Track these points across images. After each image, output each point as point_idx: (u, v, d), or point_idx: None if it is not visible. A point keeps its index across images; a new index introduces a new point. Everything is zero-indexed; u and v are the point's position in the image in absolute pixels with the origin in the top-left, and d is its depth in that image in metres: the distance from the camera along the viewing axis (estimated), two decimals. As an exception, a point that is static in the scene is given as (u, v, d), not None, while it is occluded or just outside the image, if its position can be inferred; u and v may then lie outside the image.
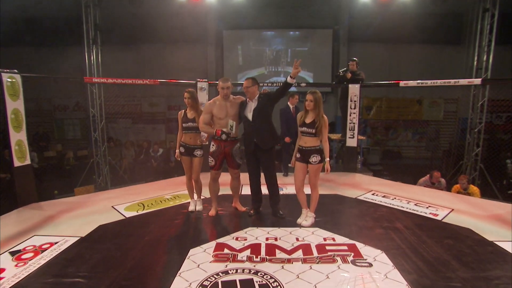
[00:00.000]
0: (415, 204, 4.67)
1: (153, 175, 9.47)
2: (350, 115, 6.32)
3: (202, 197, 4.50)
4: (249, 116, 3.95)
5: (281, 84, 3.88)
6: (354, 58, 6.51)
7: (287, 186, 5.52)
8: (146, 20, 10.45)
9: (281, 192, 5.12)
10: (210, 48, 11.65)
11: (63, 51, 9.92)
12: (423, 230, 3.68)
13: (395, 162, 11.20)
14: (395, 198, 4.95)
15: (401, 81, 5.86)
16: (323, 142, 3.70)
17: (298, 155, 3.81)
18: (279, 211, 4.18)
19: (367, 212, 4.32)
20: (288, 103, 5.96)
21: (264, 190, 4.23)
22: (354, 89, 6.23)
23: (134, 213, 4.33)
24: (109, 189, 7.78)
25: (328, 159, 3.71)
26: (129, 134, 12.62)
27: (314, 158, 3.68)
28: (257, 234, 3.59)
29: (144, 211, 4.42)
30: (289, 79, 3.76)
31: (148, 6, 10.00)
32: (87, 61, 7.64)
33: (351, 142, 6.37)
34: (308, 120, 3.68)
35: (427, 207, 4.54)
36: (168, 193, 5.19)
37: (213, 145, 4.08)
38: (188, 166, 4.30)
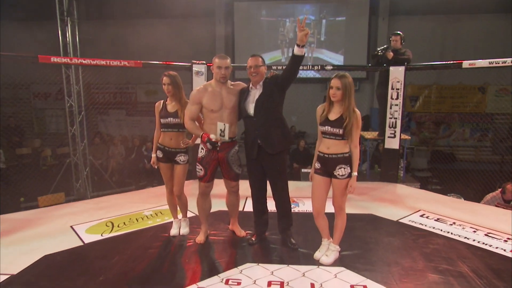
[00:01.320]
0: (486, 234, 3.86)
1: (145, 179, 9.00)
2: (390, 108, 5.55)
3: (188, 216, 3.89)
4: (251, 108, 3.30)
5: (289, 60, 3.19)
6: (398, 32, 5.71)
7: (303, 200, 4.83)
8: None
9: (295, 209, 4.47)
10: (219, 25, 11.02)
11: (41, 26, 9.52)
12: (503, 278, 2.93)
13: (447, 167, 10.21)
14: (454, 223, 4.18)
15: (464, 61, 5.03)
16: (352, 148, 3.00)
17: (317, 166, 3.12)
18: (290, 239, 3.52)
19: (414, 245, 3.59)
20: None
21: (272, 206, 3.58)
22: (397, 73, 5.45)
23: (97, 237, 3.77)
24: (88, 197, 7.32)
25: (355, 173, 3.01)
26: (123, 128, 12.23)
27: (342, 171, 2.99)
28: (257, 276, 2.96)
29: (111, 234, 3.85)
30: (296, 50, 3.05)
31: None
32: (60, 37, 7.15)
33: (392, 143, 5.60)
34: (332, 116, 2.99)
35: (505, 240, 3.72)
36: (149, 207, 4.62)
37: (202, 148, 3.45)
38: (169, 176, 3.69)
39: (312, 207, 3.18)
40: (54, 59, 4.51)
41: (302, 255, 3.35)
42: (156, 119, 3.63)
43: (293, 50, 3.08)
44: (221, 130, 3.28)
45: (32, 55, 4.46)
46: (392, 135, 5.58)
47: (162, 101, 3.66)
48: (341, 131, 2.93)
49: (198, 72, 5.45)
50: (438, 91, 11.25)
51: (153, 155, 3.68)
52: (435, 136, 11.51)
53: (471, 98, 11.35)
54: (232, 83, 3.50)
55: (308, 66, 5.64)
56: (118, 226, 4.05)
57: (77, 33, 7.38)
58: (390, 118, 5.55)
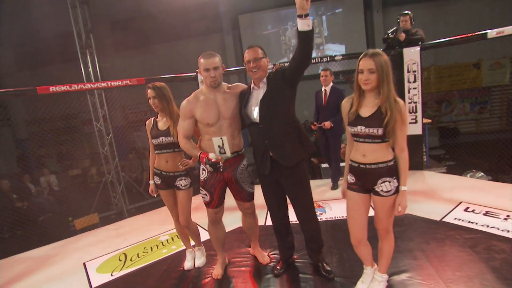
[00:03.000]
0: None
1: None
2: (409, 92, 4.18)
3: (204, 239, 2.74)
4: (255, 113, 2.10)
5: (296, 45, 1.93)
6: (406, 12, 4.31)
7: (329, 204, 3.57)
8: (154, 19, 8.85)
9: (321, 216, 3.22)
10: (227, 37, 9.77)
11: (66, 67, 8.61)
12: None
13: (453, 141, 8.66)
14: (508, 216, 2.83)
15: (489, 31, 3.60)
16: (398, 152, 1.73)
17: (351, 179, 1.87)
18: (324, 265, 2.33)
19: (474, 255, 2.33)
20: (322, 86, 3.95)
21: (293, 215, 2.41)
22: (412, 54, 4.08)
23: (106, 277, 2.67)
24: (125, 211, 6.32)
25: (404, 187, 1.74)
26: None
27: (386, 186, 1.75)
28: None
29: (122, 272, 2.74)
30: (300, 23, 1.81)
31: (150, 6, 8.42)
32: (83, 69, 6.12)
33: (414, 129, 4.24)
34: (366, 112, 1.76)
35: None
36: (166, 230, 3.48)
37: (203, 169, 2.26)
38: (171, 204, 2.54)
39: (350, 233, 1.93)
40: (53, 89, 3.42)
41: (341, 286, 2.12)
42: (149, 140, 2.46)
43: (297, 29, 1.83)
44: (219, 146, 2.09)
45: (31, 88, 3.38)
46: (414, 121, 4.21)
47: (152, 118, 2.48)
48: (380, 131, 1.68)
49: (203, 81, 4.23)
50: (437, 72, 9.64)
51: (151, 183, 2.53)
52: (438, 113, 9.92)
53: (468, 74, 9.75)
54: (229, 85, 2.29)
55: (316, 59, 4.32)
56: (131, 259, 2.93)
57: (96, 63, 6.31)
58: (410, 103, 4.19)
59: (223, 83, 2.30)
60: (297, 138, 2.09)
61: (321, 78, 3.90)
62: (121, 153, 8.31)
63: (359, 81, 1.73)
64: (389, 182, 1.73)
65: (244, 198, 2.35)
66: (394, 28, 4.26)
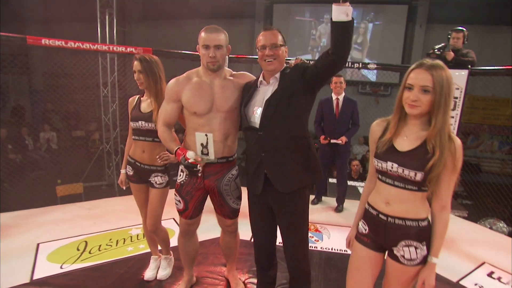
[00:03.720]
0: None
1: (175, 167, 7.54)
2: (444, 120, 3.57)
3: (172, 250, 2.30)
4: (256, 115, 1.61)
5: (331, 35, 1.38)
6: (461, 28, 3.68)
7: (328, 229, 3.07)
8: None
9: (315, 245, 2.73)
10: (258, 24, 9.20)
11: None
12: None
13: (472, 178, 7.92)
14: (545, 295, 2.28)
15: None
16: (436, 210, 1.23)
17: (363, 229, 1.38)
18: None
19: None
20: (333, 94, 3.44)
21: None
22: (457, 78, 3.48)
23: (54, 268, 2.26)
24: (115, 184, 5.97)
25: (436, 259, 1.25)
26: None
27: (410, 251, 1.25)
28: None
29: (75, 265, 2.33)
30: (335, 10, 1.30)
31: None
32: (99, 29, 5.72)
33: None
34: (404, 145, 1.24)
35: None
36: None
37: (182, 170, 1.80)
38: (142, 201, 2.10)
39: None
40: (45, 41, 3.00)
41: None
42: (129, 121, 2.01)
43: (330, 19, 1.31)
44: (202, 145, 1.62)
45: (21, 36, 2.97)
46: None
47: (137, 96, 2.02)
48: (419, 176, 1.17)
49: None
50: (470, 101, 8.85)
51: (122, 172, 2.08)
52: (463, 146, 9.15)
53: (503, 111, 8.93)
54: (234, 73, 1.80)
55: (347, 63, 3.76)
56: (90, 252, 2.52)
57: (114, 26, 5.90)
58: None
59: (227, 68, 1.81)
60: (303, 159, 1.59)
61: (333, 84, 3.39)
62: (125, 123, 7.99)
63: (403, 101, 1.22)
64: (416, 248, 1.22)
65: (226, 214, 1.89)
66: (442, 44, 3.65)
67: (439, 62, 1.18)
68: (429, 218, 1.25)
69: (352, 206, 3.72)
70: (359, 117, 3.42)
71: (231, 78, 1.76)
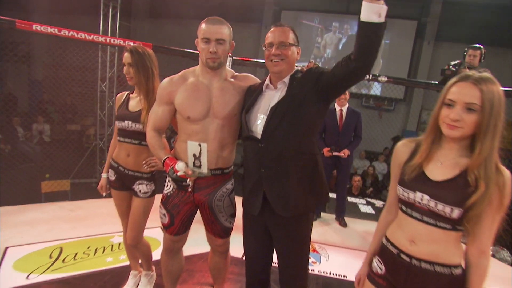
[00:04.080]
0: None
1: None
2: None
3: (154, 265, 2.05)
4: (258, 124, 1.36)
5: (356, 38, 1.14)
6: (479, 45, 3.48)
7: (327, 250, 2.82)
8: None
9: (312, 267, 2.47)
10: (265, 30, 9.02)
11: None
12: None
13: None
14: None
15: None
16: (473, 254, 0.98)
17: (379, 268, 1.13)
18: None
19: None
20: (336, 105, 3.25)
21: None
22: (472, 97, 3.25)
23: (19, 278, 2.01)
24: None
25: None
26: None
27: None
28: None
29: (43, 276, 2.07)
30: (366, 7, 1.07)
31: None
32: (101, 22, 5.51)
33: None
34: (438, 172, 1.00)
35: None
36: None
37: (169, 181, 1.55)
38: (124, 210, 1.86)
39: None
40: (36, 27, 2.77)
41: None
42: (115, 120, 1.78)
43: (358, 18, 1.10)
44: (194, 156, 1.38)
45: (10, 19, 2.74)
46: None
47: (126, 93, 1.79)
48: (456, 212, 0.94)
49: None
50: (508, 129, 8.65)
51: (103, 176, 1.84)
52: None
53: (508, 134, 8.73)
54: (236, 74, 1.57)
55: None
56: (63, 260, 2.26)
57: (117, 19, 5.68)
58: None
59: (229, 69, 1.59)
60: (309, 179, 1.35)
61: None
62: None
63: (440, 119, 0.99)
64: (449, 300, 0.98)
65: (217, 233, 1.64)
66: (458, 61, 3.45)
67: (489, 75, 0.96)
68: (463, 264, 1.01)
69: (352, 224, 3.49)
70: (362, 130, 3.22)
71: (233, 80, 1.53)
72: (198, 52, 1.47)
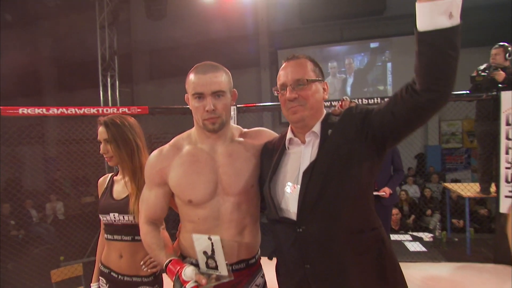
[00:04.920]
0: None
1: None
2: (507, 153, 2.85)
3: None
4: (286, 197, 0.94)
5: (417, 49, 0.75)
6: (502, 43, 3.07)
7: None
8: (190, 49, 8.31)
9: None
10: (264, 73, 8.94)
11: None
12: None
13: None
14: None
15: None
16: None
17: None
18: None
19: None
20: None
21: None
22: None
23: None
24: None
25: None
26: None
27: None
28: None
29: None
30: (428, 13, 0.72)
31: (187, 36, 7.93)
32: (101, 92, 5.41)
33: (508, 206, 2.84)
34: None
35: None
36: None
37: None
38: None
39: None
40: (23, 111, 2.52)
41: None
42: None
43: (415, 29, 0.74)
44: (205, 254, 0.93)
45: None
46: (511, 194, 2.83)
47: (109, 175, 1.40)
48: None
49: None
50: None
51: (93, 287, 1.39)
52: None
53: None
54: (245, 130, 1.17)
55: (374, 100, 3.13)
56: None
57: (117, 87, 5.59)
58: (508, 168, 2.83)
59: (235, 125, 1.20)
60: (376, 265, 0.90)
61: None
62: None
63: None
64: None
65: None
66: (486, 65, 3.04)
67: None
68: None
69: (406, 269, 2.87)
70: (401, 161, 2.72)
71: (242, 139, 1.14)
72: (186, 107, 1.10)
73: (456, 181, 6.56)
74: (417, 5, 0.72)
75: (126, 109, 2.89)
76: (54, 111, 2.62)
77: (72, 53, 8.55)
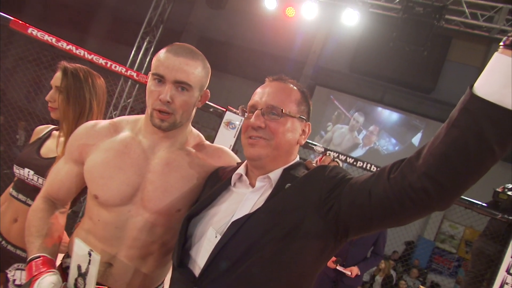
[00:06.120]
0: None
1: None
2: (501, 286, 2.51)
3: None
4: (204, 245, 0.70)
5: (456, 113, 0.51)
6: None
7: None
8: (240, 51, 8.30)
9: None
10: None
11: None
12: None
13: None
14: None
15: None
16: None
17: None
18: None
19: None
20: None
21: None
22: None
23: None
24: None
25: None
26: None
27: None
28: None
29: None
30: (497, 80, 0.46)
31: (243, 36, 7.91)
32: (133, 53, 5.35)
33: None
34: None
35: None
36: None
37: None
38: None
39: None
40: (32, 31, 2.42)
41: None
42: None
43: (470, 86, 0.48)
44: (79, 269, 0.69)
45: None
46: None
47: (50, 127, 1.20)
48: None
49: (229, 123, 3.01)
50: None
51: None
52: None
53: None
54: (206, 143, 0.94)
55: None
56: None
57: (149, 55, 5.52)
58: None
59: (195, 130, 0.97)
60: None
61: None
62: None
63: None
64: None
65: None
66: (515, 184, 2.73)
67: None
68: None
69: None
70: (385, 246, 2.41)
71: (194, 151, 0.91)
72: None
73: (436, 285, 6.11)
74: (496, 56, 0.49)
75: (134, 74, 2.74)
76: (63, 44, 2.48)
77: (124, 4, 8.67)
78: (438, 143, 0.52)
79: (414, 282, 5.75)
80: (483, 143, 0.48)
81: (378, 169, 0.62)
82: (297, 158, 0.78)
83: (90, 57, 2.61)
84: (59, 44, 2.49)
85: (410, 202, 0.55)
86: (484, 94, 0.48)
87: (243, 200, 0.73)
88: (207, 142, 0.97)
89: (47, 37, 2.46)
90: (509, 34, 0.48)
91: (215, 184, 0.83)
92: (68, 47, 2.51)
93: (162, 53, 0.84)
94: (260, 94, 0.76)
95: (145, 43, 5.41)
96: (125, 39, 7.07)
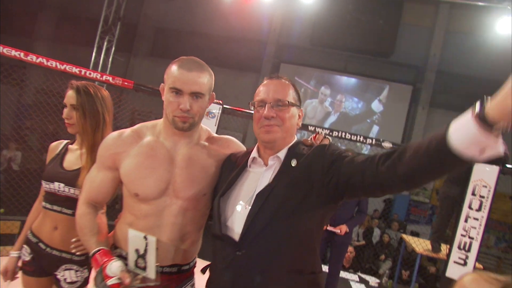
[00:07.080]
0: None
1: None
2: (466, 221, 2.94)
3: None
4: (237, 216, 0.89)
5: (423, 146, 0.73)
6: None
7: None
8: (197, 37, 8.22)
9: None
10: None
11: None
12: None
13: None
14: None
15: None
16: None
17: None
18: None
19: None
20: None
21: None
22: (484, 174, 2.90)
23: None
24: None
25: None
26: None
27: None
28: None
29: None
30: (469, 138, 0.65)
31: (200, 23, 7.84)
32: (94, 55, 5.24)
33: (457, 272, 2.93)
34: None
35: None
36: None
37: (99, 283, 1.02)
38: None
39: None
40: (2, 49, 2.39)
41: None
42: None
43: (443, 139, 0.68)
44: (137, 252, 0.87)
45: None
46: (462, 261, 2.91)
47: (64, 142, 1.33)
48: None
49: (208, 112, 3.17)
50: (467, 192, 8.38)
51: (13, 254, 1.30)
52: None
53: (501, 205, 8.43)
54: (213, 135, 1.12)
55: (356, 137, 3.18)
56: None
57: (111, 54, 5.44)
58: (463, 235, 2.92)
59: (204, 127, 1.16)
60: None
61: None
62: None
63: None
64: None
65: None
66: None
67: None
68: None
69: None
70: (367, 204, 2.75)
71: (207, 143, 1.10)
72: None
73: (415, 234, 6.75)
74: (463, 119, 0.65)
75: (110, 78, 2.79)
76: (32, 58, 2.49)
77: (77, 6, 8.29)
78: (414, 162, 0.72)
79: (396, 234, 6.34)
80: (444, 171, 0.71)
81: (371, 156, 0.84)
82: (296, 138, 1.00)
83: (62, 67, 2.64)
84: (28, 57, 2.51)
85: (389, 188, 0.80)
86: (458, 147, 0.65)
87: (261, 177, 0.93)
88: (215, 134, 1.15)
89: (14, 53, 2.45)
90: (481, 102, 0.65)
91: (231, 167, 1.02)
92: (38, 60, 2.52)
93: (175, 69, 0.99)
94: (266, 91, 0.95)
95: (105, 43, 5.32)
96: (79, 38, 6.81)
